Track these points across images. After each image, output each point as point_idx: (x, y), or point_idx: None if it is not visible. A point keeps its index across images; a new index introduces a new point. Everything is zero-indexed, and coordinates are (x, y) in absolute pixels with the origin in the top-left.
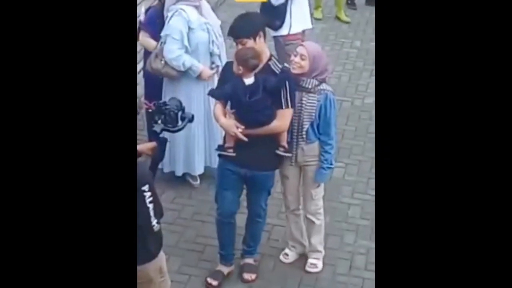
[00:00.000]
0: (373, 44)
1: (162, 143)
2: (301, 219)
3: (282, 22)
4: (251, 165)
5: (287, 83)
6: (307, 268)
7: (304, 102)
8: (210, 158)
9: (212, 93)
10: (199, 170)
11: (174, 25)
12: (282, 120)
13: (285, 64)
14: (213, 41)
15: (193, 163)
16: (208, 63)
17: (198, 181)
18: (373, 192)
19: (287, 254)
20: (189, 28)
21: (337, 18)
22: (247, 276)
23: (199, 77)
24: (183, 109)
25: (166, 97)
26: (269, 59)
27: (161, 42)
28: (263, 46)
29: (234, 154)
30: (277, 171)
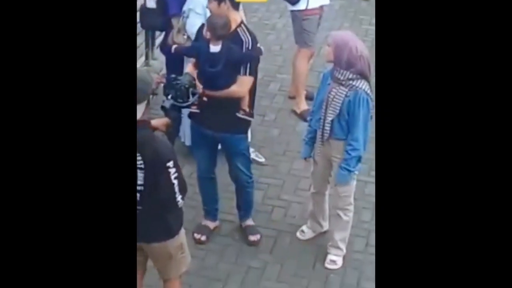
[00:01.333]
0: None
1: (176, 119)
2: (324, 202)
3: None
4: (214, 127)
5: (248, 63)
6: (326, 265)
7: (332, 93)
8: None
9: (177, 49)
10: None
11: (196, 0)
12: (241, 86)
13: (257, 44)
14: None
15: None
16: None
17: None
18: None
19: (303, 231)
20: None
21: None
22: (252, 238)
23: None
24: (194, 85)
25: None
26: (239, 26)
27: (183, 17)
28: (229, 12)
29: (198, 111)
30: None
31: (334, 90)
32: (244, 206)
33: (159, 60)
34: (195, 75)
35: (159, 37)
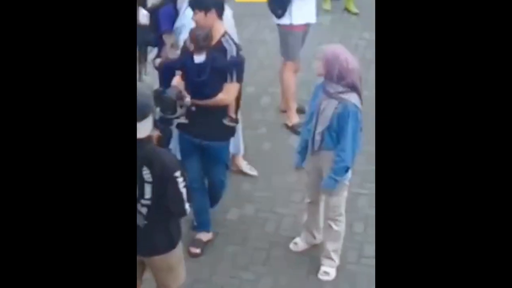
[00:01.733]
0: None
1: (165, 132)
2: (318, 213)
3: (284, 11)
4: (202, 135)
5: (234, 69)
6: (320, 276)
7: (323, 105)
8: None
9: (161, 64)
10: None
11: (189, 15)
12: (227, 93)
13: (240, 52)
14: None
15: None
16: None
17: None
18: None
19: (296, 243)
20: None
21: (346, 9)
22: (193, 249)
23: None
24: (181, 97)
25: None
26: (223, 36)
27: (176, 34)
28: (215, 22)
29: (186, 121)
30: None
31: (324, 102)
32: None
33: (152, 75)
34: (182, 87)
35: (151, 53)
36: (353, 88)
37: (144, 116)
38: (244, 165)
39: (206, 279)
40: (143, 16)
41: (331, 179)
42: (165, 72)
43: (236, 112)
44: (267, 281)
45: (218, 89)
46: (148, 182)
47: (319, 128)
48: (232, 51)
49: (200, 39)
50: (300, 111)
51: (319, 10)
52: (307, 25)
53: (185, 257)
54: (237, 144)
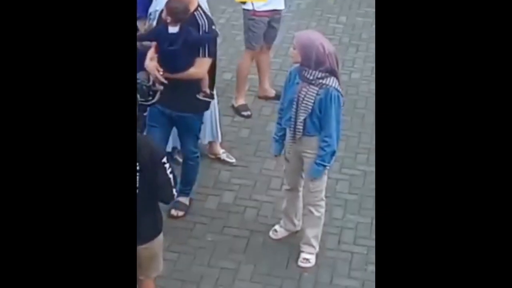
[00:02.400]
0: (360, 19)
1: (139, 118)
2: (298, 199)
3: None
4: (174, 106)
5: (206, 44)
6: (300, 263)
7: (302, 93)
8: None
9: (138, 37)
10: None
11: (162, 1)
12: (199, 67)
13: (213, 27)
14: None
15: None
16: None
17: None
18: (361, 167)
19: (276, 230)
20: None
21: None
22: (174, 212)
23: None
24: (153, 83)
25: None
26: (196, 9)
27: (150, 19)
28: None
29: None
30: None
31: (304, 89)
32: (184, 178)
33: None
34: (155, 59)
35: None
36: (332, 72)
37: None
38: (222, 153)
39: (185, 268)
40: None
41: (320, 165)
42: (140, 59)
43: (210, 87)
44: (247, 269)
45: (190, 62)
46: (136, 171)
47: (301, 116)
48: (205, 25)
49: (179, 11)
50: (278, 97)
51: None
52: (274, 12)
53: (164, 247)
54: (214, 131)
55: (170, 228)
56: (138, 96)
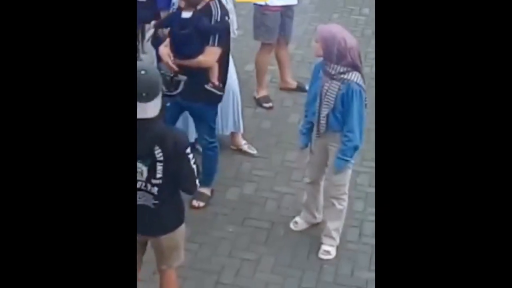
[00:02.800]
0: None
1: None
2: (319, 192)
3: None
4: (183, 94)
5: (216, 33)
6: (320, 255)
7: (325, 87)
8: (222, 126)
9: (156, 24)
10: None
11: None
12: (208, 55)
13: (226, 18)
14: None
15: None
16: None
17: None
18: None
19: (296, 222)
20: None
21: None
22: (195, 202)
23: None
24: (176, 73)
25: None
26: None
27: (173, 9)
28: None
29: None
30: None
31: (326, 84)
32: (203, 169)
33: (150, 54)
34: (169, 46)
35: (149, 31)
36: (354, 66)
37: (155, 95)
38: (243, 144)
39: (207, 258)
40: None
41: (341, 159)
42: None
43: (219, 79)
44: (268, 261)
45: (200, 50)
46: (160, 161)
47: (324, 111)
48: (217, 15)
49: None
50: (300, 89)
51: None
52: (287, 7)
53: (185, 237)
54: (236, 122)
55: (191, 219)
56: (166, 87)
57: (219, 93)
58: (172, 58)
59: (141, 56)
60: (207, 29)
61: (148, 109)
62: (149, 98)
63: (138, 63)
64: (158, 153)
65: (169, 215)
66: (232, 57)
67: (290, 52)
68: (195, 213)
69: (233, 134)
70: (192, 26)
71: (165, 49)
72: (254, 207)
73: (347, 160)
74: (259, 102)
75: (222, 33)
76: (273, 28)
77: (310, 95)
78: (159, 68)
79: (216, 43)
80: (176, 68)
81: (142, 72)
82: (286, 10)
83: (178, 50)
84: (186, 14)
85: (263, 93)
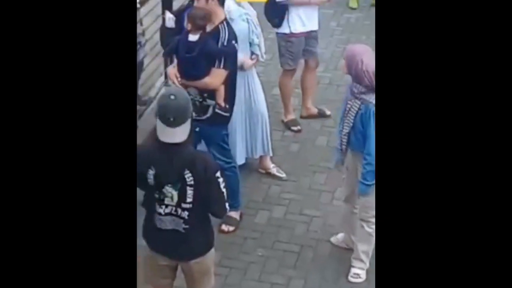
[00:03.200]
0: None
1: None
2: (353, 216)
3: (281, 20)
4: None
5: (222, 56)
6: (350, 278)
7: (348, 106)
8: (251, 149)
9: (165, 51)
10: (240, 160)
11: None
12: (214, 78)
13: (233, 42)
14: (252, 31)
15: (234, 153)
16: (248, 53)
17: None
18: None
19: (338, 238)
20: (230, 19)
21: (373, 6)
22: (224, 227)
23: (240, 68)
24: (204, 98)
25: None
26: (221, 22)
27: None
28: (215, 8)
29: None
30: None
31: (350, 103)
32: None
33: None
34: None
35: None
36: (372, 89)
37: (183, 121)
38: (272, 167)
39: (236, 283)
40: (169, 20)
41: (363, 184)
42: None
43: (226, 102)
44: (297, 285)
45: (206, 72)
46: (190, 185)
47: (345, 129)
48: (224, 38)
49: (197, 18)
50: (321, 115)
51: (345, 8)
52: (310, 32)
53: (215, 262)
54: (265, 145)
55: (221, 243)
56: (196, 111)
57: (225, 114)
58: (179, 78)
59: (170, 81)
60: (213, 52)
61: (177, 134)
62: (176, 123)
63: (169, 88)
64: (189, 177)
65: (199, 240)
66: (260, 80)
67: (317, 74)
68: (224, 238)
69: (261, 158)
70: (199, 49)
71: (172, 70)
72: (283, 231)
73: (367, 185)
74: (287, 126)
75: (228, 56)
76: (297, 54)
77: (341, 113)
78: (189, 93)
79: (222, 66)
80: (181, 88)
81: (172, 97)
82: (310, 34)
83: (185, 72)
84: (193, 37)
85: (290, 116)
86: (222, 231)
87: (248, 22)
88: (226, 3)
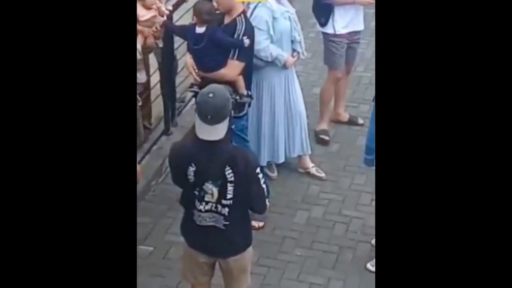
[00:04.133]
0: None
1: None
2: None
3: (327, 20)
4: None
5: (236, 48)
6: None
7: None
8: (289, 148)
9: (168, 26)
10: (281, 158)
11: (259, 16)
12: (229, 69)
13: (245, 37)
14: (294, 28)
15: (277, 152)
16: (290, 50)
17: (276, 173)
18: None
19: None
20: (273, 18)
21: None
22: (254, 223)
23: (283, 65)
24: (240, 95)
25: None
26: (239, 15)
27: None
28: (232, 2)
29: (198, 90)
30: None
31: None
32: None
33: None
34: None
35: None
36: None
37: (221, 119)
38: (311, 167)
39: (275, 283)
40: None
41: None
42: None
43: (246, 88)
44: (336, 285)
45: (220, 63)
46: (231, 182)
47: (372, 129)
48: (240, 30)
49: (202, 12)
50: (351, 122)
51: None
52: (353, 33)
53: (253, 262)
54: (304, 145)
55: (259, 242)
56: (234, 109)
57: (248, 100)
58: (196, 70)
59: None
60: (222, 42)
61: (214, 132)
62: (214, 120)
63: (209, 86)
64: (229, 173)
65: (239, 236)
66: (300, 79)
67: (357, 74)
68: (262, 236)
69: (300, 157)
70: (206, 40)
71: (190, 60)
72: (322, 231)
73: None
74: (317, 134)
75: (240, 49)
76: (339, 54)
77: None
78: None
79: (235, 57)
80: (198, 79)
81: (210, 95)
82: (352, 38)
83: (198, 63)
84: (200, 29)
85: (322, 126)
86: (253, 228)
87: (290, 20)
88: (269, 2)
